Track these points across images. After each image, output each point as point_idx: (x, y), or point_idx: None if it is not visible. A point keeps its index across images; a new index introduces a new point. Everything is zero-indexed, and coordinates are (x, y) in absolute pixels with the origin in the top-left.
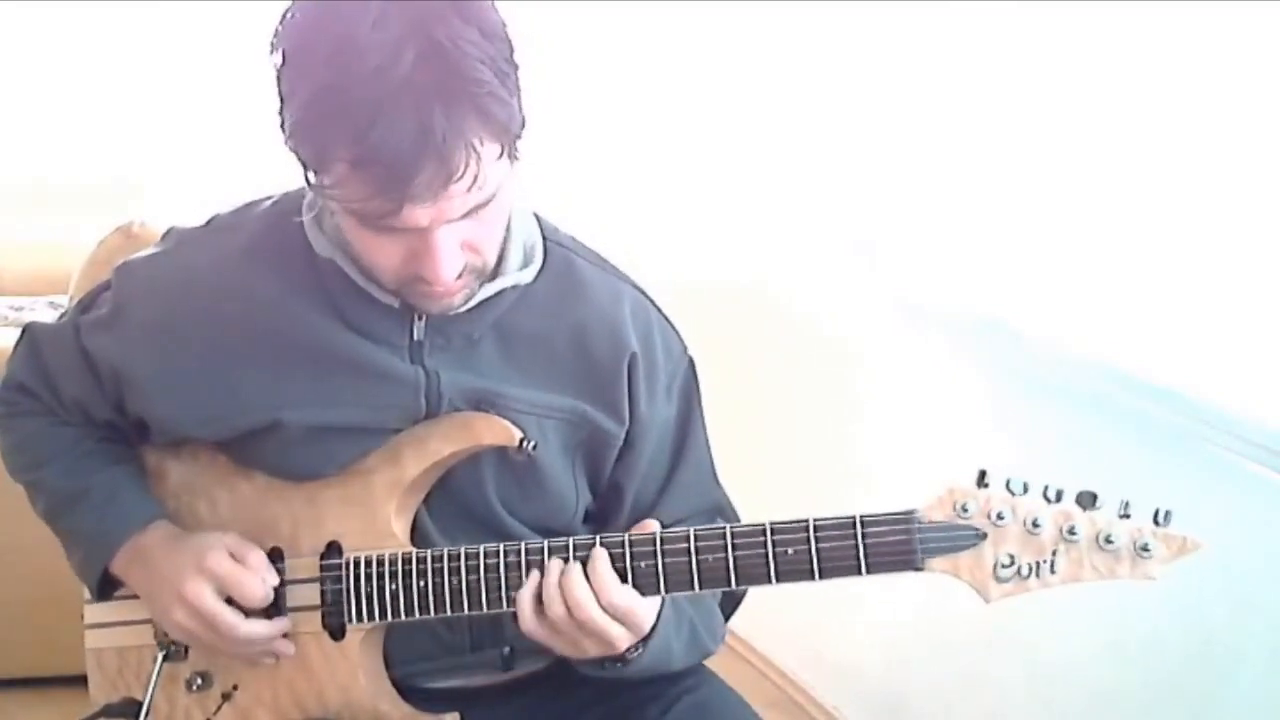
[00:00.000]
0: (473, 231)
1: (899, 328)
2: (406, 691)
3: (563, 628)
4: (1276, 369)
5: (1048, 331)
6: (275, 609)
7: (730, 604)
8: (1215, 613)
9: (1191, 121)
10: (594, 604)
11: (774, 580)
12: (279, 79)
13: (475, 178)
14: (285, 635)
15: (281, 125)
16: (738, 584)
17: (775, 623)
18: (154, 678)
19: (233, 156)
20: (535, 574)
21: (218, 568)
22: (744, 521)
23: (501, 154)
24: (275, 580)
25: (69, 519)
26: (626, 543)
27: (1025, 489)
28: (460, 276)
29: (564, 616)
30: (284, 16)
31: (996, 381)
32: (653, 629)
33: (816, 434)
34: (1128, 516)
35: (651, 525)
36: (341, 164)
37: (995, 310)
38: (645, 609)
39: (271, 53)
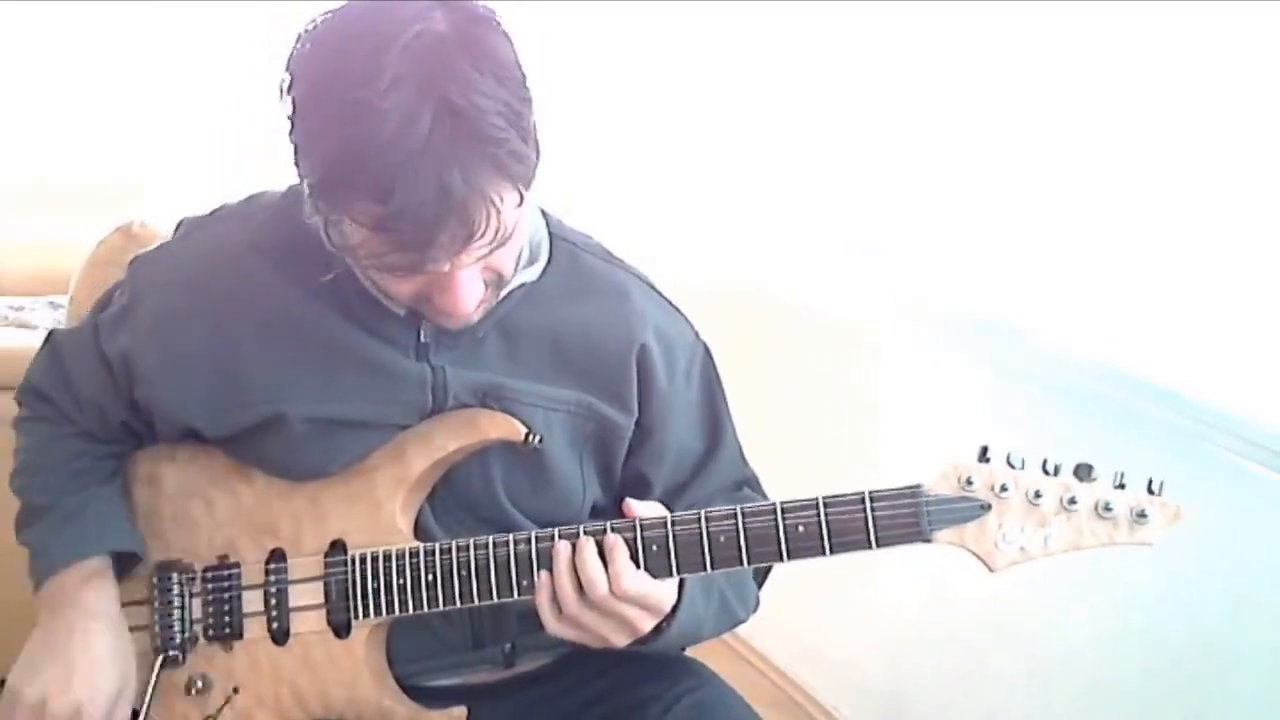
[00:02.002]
0: (491, 261)
1: (902, 328)
2: (408, 690)
3: (581, 616)
4: (1276, 369)
5: (1049, 332)
6: (277, 603)
7: (761, 573)
8: (1215, 612)
9: (1191, 121)
10: (606, 584)
11: (785, 557)
12: (291, 128)
13: (496, 231)
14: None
15: (300, 174)
16: (749, 562)
17: (775, 622)
18: (152, 684)
19: (233, 156)
20: (545, 573)
21: (92, 706)
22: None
23: (521, 200)
24: None
25: (26, 531)
26: (637, 526)
27: (1024, 464)
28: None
29: (576, 601)
30: (291, 58)
31: (997, 381)
32: (678, 603)
33: (818, 433)
34: (1123, 487)
35: (636, 507)
36: (359, 226)
37: (997, 310)
38: (661, 591)
39: (281, 96)
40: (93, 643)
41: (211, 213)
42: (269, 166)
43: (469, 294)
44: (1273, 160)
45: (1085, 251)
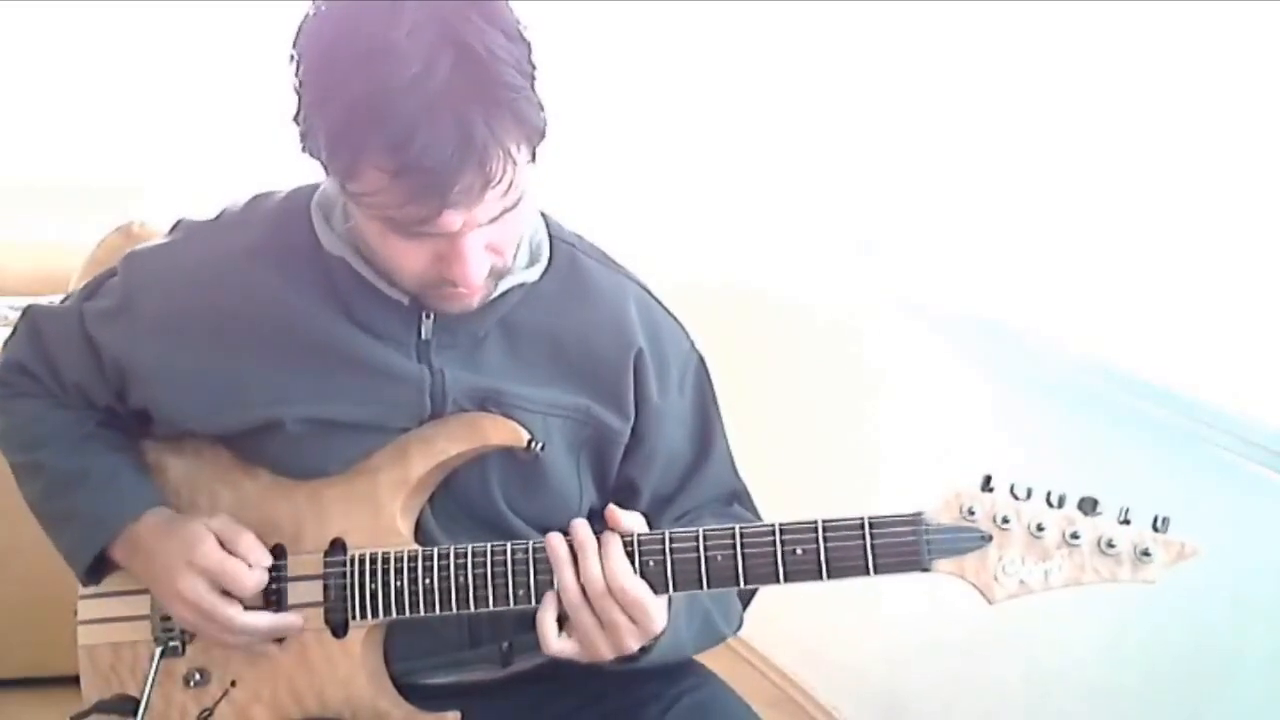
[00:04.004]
0: (498, 234)
1: (902, 328)
2: (405, 688)
3: (580, 614)
4: (1276, 369)
5: (1048, 331)
6: (276, 599)
7: (746, 591)
8: (1215, 613)
9: (1191, 121)
10: (602, 579)
11: (782, 580)
12: (301, 86)
13: (511, 182)
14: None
15: (302, 133)
16: (746, 583)
17: (775, 623)
18: (152, 674)
19: (232, 157)
20: (552, 593)
21: (206, 561)
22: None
23: (531, 157)
24: (267, 562)
25: (66, 499)
26: (635, 541)
27: (1029, 494)
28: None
29: (577, 593)
30: (303, 22)
31: (997, 381)
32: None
33: (818, 433)
34: (1128, 522)
35: (619, 515)
36: (378, 172)
37: (996, 310)
38: (655, 607)
39: (292, 59)
40: (155, 549)
41: (213, 218)
42: (268, 167)
43: (477, 262)
44: (1272, 160)
45: (1084, 250)
